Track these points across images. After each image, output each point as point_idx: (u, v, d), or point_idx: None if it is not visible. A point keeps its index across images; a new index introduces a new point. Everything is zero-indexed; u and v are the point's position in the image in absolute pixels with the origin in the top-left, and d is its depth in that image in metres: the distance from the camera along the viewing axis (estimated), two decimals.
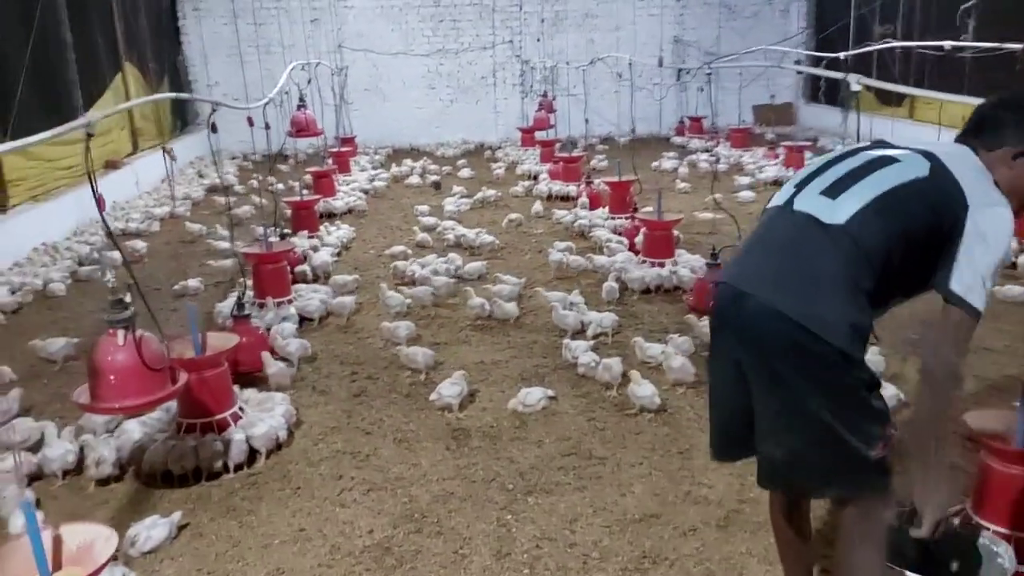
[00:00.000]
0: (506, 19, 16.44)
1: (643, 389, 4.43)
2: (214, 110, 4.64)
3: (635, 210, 7.77)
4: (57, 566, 2.40)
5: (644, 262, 6.80)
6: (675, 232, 7.15)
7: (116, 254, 7.96)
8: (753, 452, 2.43)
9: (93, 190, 2.83)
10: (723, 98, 13.84)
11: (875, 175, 2.27)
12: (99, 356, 2.97)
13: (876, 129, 11.78)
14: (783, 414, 2.26)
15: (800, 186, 2.38)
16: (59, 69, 9.70)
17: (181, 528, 3.52)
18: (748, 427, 2.36)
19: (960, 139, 2.40)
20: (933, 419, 2.23)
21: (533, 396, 4.50)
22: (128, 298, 3.02)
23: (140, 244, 8.37)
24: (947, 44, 7.50)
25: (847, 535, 2.36)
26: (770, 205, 2.47)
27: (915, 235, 2.19)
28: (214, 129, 4.64)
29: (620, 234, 7.81)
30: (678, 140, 15.40)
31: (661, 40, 16.51)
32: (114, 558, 2.45)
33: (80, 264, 7.71)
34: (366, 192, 11.08)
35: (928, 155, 2.28)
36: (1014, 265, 6.75)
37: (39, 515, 2.48)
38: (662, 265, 6.66)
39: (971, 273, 2.12)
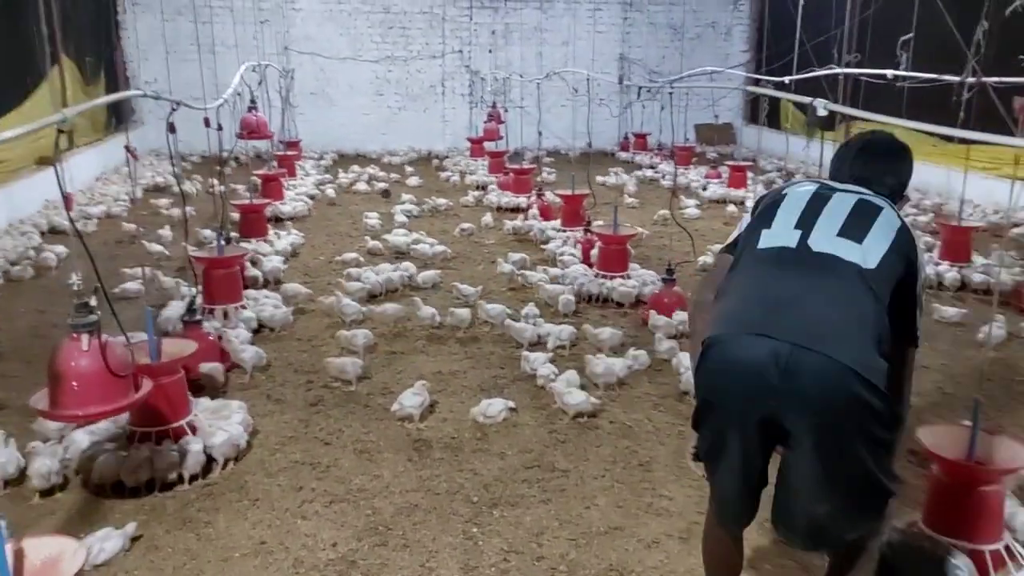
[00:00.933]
0: (456, 29, 16.47)
1: (574, 397, 4.52)
2: (174, 109, 4.51)
3: (588, 223, 7.84)
4: None
5: (598, 275, 6.88)
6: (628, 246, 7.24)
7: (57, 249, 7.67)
8: (742, 519, 2.47)
9: (60, 187, 2.72)
10: (666, 116, 14.10)
11: (880, 219, 2.32)
12: (62, 361, 2.85)
13: (814, 153, 12.15)
14: (830, 470, 2.19)
15: (802, 227, 2.34)
16: None
17: (134, 540, 3.40)
18: (760, 490, 2.39)
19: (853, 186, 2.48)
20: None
21: (495, 407, 4.49)
22: (93, 302, 2.91)
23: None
24: (889, 73, 7.82)
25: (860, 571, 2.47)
26: (766, 246, 2.38)
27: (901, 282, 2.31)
28: (172, 129, 4.51)
29: (575, 246, 7.87)
30: (623, 155, 15.65)
31: (608, 57, 16.76)
32: (80, 573, 2.34)
33: (13, 264, 7.37)
34: (312, 198, 10.92)
35: (885, 200, 2.42)
36: (940, 284, 7.06)
37: None
38: (612, 278, 6.76)
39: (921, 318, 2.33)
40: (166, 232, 8.68)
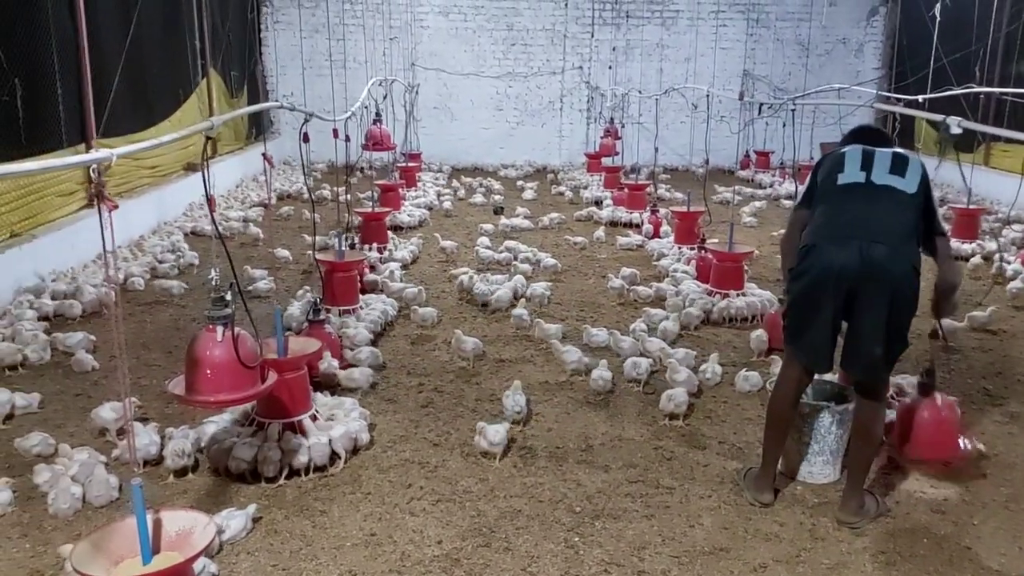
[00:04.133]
0: (576, 46, 16.60)
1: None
2: (307, 120, 4.78)
3: (703, 241, 7.74)
4: (156, 550, 2.50)
5: (713, 293, 6.78)
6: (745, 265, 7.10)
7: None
8: (829, 362, 3.68)
9: (206, 189, 2.95)
10: (800, 136, 13.71)
11: (911, 163, 3.56)
12: (198, 349, 3.08)
13: (948, 175, 11.51)
14: (888, 322, 3.42)
15: (866, 169, 3.55)
16: (150, 73, 10.09)
17: (255, 522, 3.61)
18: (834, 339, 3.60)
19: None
20: (957, 282, 3.73)
21: (500, 434, 4.20)
22: (229, 296, 3.13)
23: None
24: None
25: (875, 409, 3.70)
26: (843, 182, 3.58)
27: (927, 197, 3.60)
28: (306, 139, 4.78)
29: (689, 263, 7.79)
30: (743, 174, 15.31)
31: (731, 73, 16.47)
32: (208, 547, 2.53)
33: (160, 262, 7.95)
34: (430, 208, 11.25)
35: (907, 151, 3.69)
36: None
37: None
38: (726, 296, 6.65)
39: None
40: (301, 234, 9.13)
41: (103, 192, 2.12)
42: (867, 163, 3.57)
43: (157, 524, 2.55)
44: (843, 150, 3.71)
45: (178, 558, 2.45)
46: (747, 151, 16.21)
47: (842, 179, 3.59)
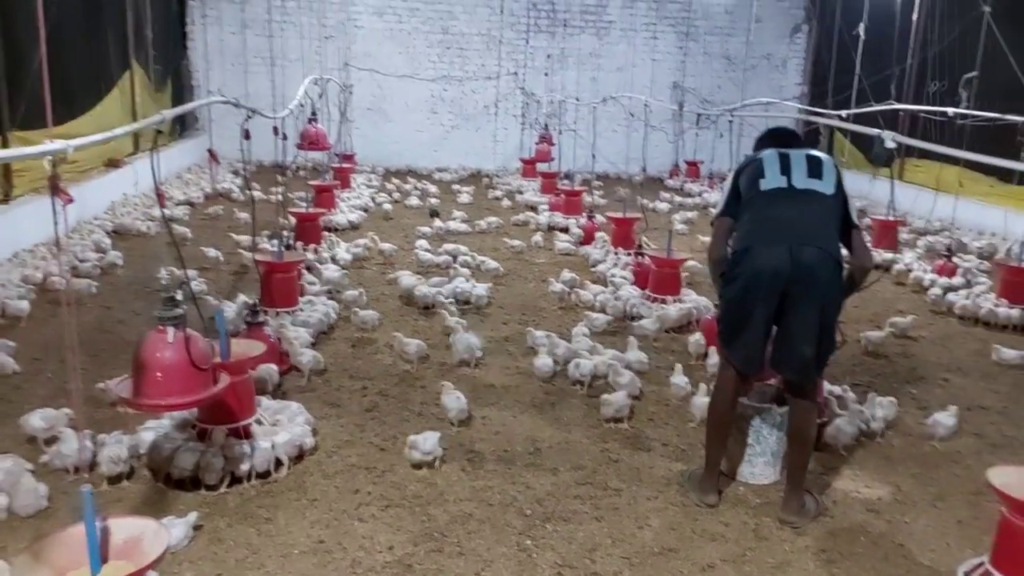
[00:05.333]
0: (512, 52, 16.67)
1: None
2: (249, 117, 4.66)
3: (639, 247, 7.86)
4: (104, 559, 2.38)
5: (649, 298, 6.89)
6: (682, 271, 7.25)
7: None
8: (761, 364, 3.79)
9: (155, 183, 2.84)
10: (719, 145, 14.09)
11: (825, 164, 3.72)
12: (147, 352, 2.96)
13: (864, 188, 11.98)
14: (818, 323, 3.57)
15: (785, 174, 3.67)
16: (71, 65, 9.66)
17: (196, 530, 3.48)
18: (766, 342, 3.71)
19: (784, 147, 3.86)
20: (869, 266, 3.82)
21: (431, 443, 4.10)
22: (179, 296, 3.01)
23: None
24: (951, 111, 7.75)
25: (808, 410, 3.83)
26: (766, 188, 3.68)
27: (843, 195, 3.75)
28: (247, 136, 4.65)
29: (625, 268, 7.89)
30: (672, 183, 15.63)
31: (662, 84, 16.81)
32: (164, 555, 2.42)
33: (81, 261, 7.60)
34: (366, 210, 11.10)
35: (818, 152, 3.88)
36: (1005, 326, 6.96)
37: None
38: (664, 302, 6.78)
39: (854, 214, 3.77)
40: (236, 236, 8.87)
41: (58, 185, 2.00)
42: (785, 167, 3.68)
43: (104, 532, 2.43)
44: (759, 155, 3.81)
45: (129, 567, 2.33)
46: (676, 161, 16.57)
47: (764, 185, 3.69)
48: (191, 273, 7.14)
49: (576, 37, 16.70)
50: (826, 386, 4.75)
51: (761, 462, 4.16)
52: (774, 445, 4.12)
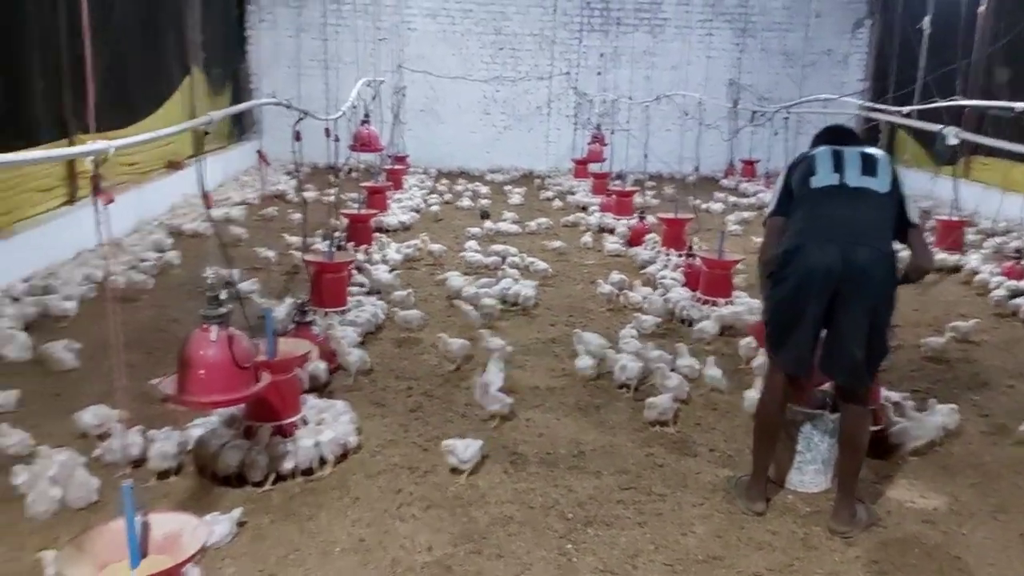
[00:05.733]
0: (564, 51, 16.61)
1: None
2: (300, 119, 4.72)
3: (690, 248, 7.74)
4: (144, 553, 2.42)
5: (700, 300, 6.78)
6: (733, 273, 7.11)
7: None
8: (811, 367, 3.67)
9: (202, 186, 2.89)
10: (775, 143, 13.80)
11: (880, 161, 3.61)
12: (191, 350, 3.01)
13: (926, 187, 11.60)
14: (869, 325, 3.46)
15: (838, 171, 3.57)
16: (134, 69, 9.95)
17: (239, 526, 3.53)
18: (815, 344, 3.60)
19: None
20: (928, 267, 3.77)
21: (472, 451, 4.05)
22: (224, 295, 3.06)
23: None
24: (1019, 105, 7.40)
25: (860, 416, 3.71)
26: (818, 186, 3.59)
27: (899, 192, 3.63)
28: (298, 137, 4.71)
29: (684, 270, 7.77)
30: (726, 182, 15.38)
31: (717, 82, 16.54)
32: (201, 550, 2.46)
33: (141, 260, 7.81)
34: (417, 211, 11.18)
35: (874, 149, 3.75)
36: None
37: None
38: (715, 304, 6.67)
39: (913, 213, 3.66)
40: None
41: (99, 185, 2.05)
42: (838, 165, 3.59)
43: (145, 527, 2.48)
44: (812, 152, 3.73)
45: (168, 562, 2.37)
46: (731, 160, 16.28)
47: (815, 182, 3.60)
48: (244, 273, 7.32)
49: (630, 35, 16.55)
50: (883, 392, 4.59)
51: (811, 469, 4.04)
52: (825, 452, 4.00)
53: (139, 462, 4.00)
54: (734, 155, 16.31)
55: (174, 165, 11.07)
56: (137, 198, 9.60)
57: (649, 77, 16.45)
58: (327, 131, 5.99)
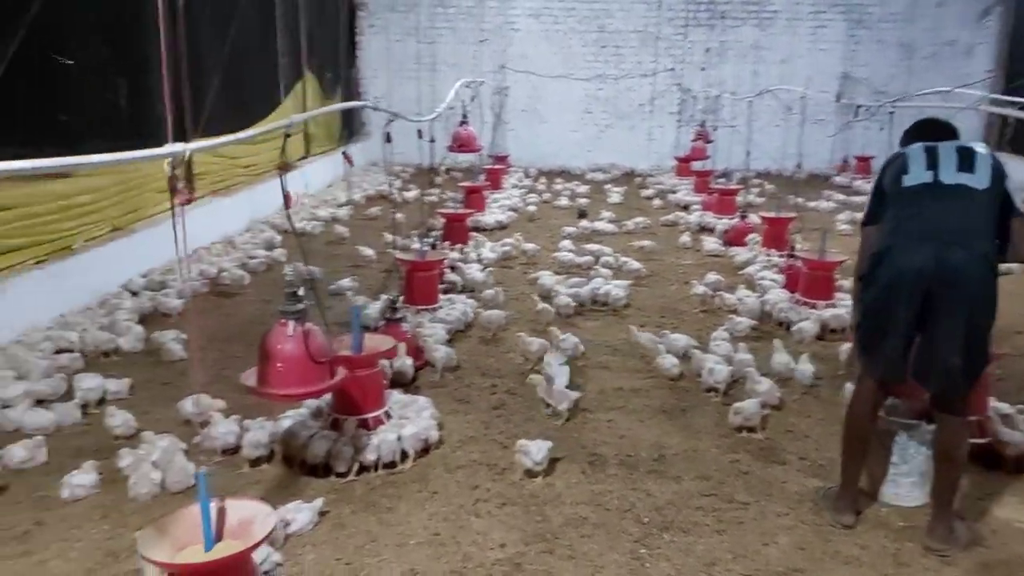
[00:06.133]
0: (669, 47, 16.31)
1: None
2: (391, 120, 4.83)
3: (792, 248, 7.45)
4: (219, 537, 2.54)
5: (798, 302, 6.53)
6: (836, 275, 6.81)
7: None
8: (903, 373, 3.45)
9: (283, 187, 3.01)
10: (892, 139, 13.08)
11: (978, 155, 3.39)
12: (270, 343, 3.14)
13: None
14: (965, 331, 3.25)
15: (932, 169, 3.39)
16: (248, 74, 10.45)
17: (322, 515, 3.66)
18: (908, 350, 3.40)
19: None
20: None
21: (542, 452, 4.01)
22: (302, 291, 3.18)
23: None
24: None
25: (956, 427, 3.48)
26: (910, 184, 3.42)
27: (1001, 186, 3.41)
28: (388, 139, 4.83)
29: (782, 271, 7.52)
30: (839, 180, 14.73)
31: (828, 75, 15.85)
32: (268, 536, 2.56)
33: (251, 258, 8.19)
34: (515, 211, 11.24)
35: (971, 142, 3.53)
36: None
37: None
38: (814, 306, 6.41)
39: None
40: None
41: (176, 185, 2.17)
42: (932, 161, 3.42)
43: (221, 512, 2.60)
44: (904, 151, 3.56)
45: (239, 546, 2.48)
46: (845, 156, 15.59)
47: (908, 181, 3.44)
48: (344, 271, 7.56)
49: (737, 29, 16.07)
50: (991, 402, 4.30)
51: (907, 483, 3.82)
52: (922, 465, 3.77)
53: (234, 450, 4.22)
54: (848, 151, 15.61)
55: (285, 167, 11.52)
56: (249, 198, 10.08)
57: (756, 72, 15.93)
58: (419, 133, 6.11)
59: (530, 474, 4.03)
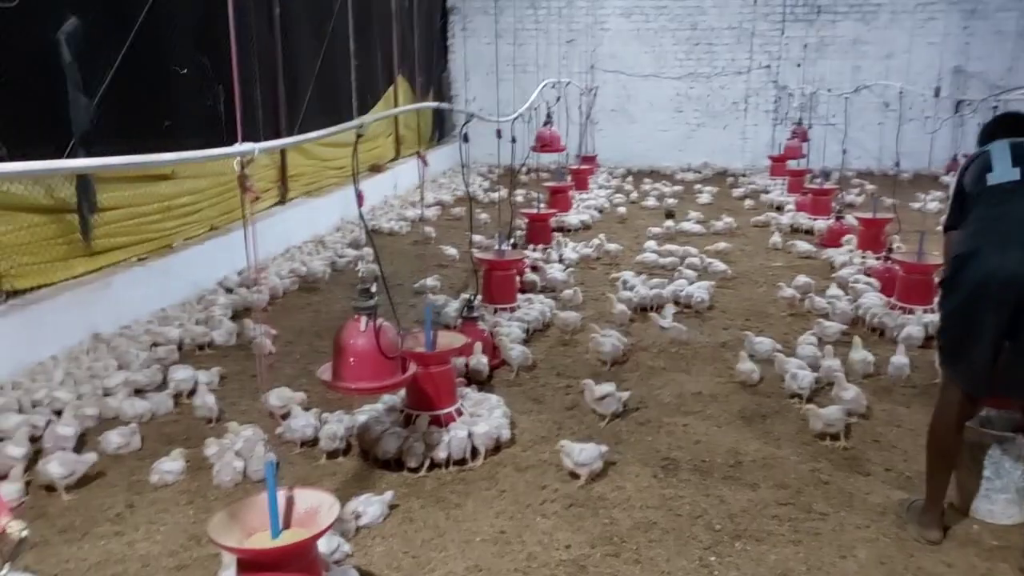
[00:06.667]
0: (765, 44, 15.87)
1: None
2: (468, 120, 4.89)
3: (889, 251, 7.13)
4: (287, 525, 2.63)
5: (894, 307, 6.24)
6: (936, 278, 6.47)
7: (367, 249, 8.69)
8: (989, 384, 3.26)
9: (355, 186, 3.09)
10: None
11: None
12: (343, 338, 3.23)
13: None
14: None
15: (1019, 165, 3.21)
16: (342, 79, 10.77)
17: (392, 508, 3.73)
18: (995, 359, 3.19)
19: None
20: None
21: (588, 454, 3.96)
22: (374, 288, 3.25)
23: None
24: None
25: None
26: (995, 183, 3.26)
27: None
28: (466, 139, 4.89)
29: (869, 274, 7.21)
30: (947, 179, 13.98)
31: (940, 70, 15.08)
32: (331, 526, 2.63)
33: (339, 256, 8.43)
34: (601, 211, 11.17)
35: None
36: None
37: None
38: (911, 312, 6.11)
39: None
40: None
41: (246, 183, 2.26)
42: (1018, 158, 3.25)
43: (289, 501, 2.69)
44: (986, 148, 3.41)
45: (304, 535, 2.56)
46: (954, 154, 14.80)
47: (992, 179, 3.28)
48: (429, 270, 7.69)
49: (837, 24, 15.48)
50: None
51: (1003, 499, 3.60)
52: (1019, 480, 3.55)
53: (313, 441, 4.35)
54: (958, 149, 14.82)
55: (376, 168, 11.85)
56: (341, 198, 10.37)
57: (859, 67, 15.31)
58: (498, 132, 6.15)
59: (573, 476, 3.99)
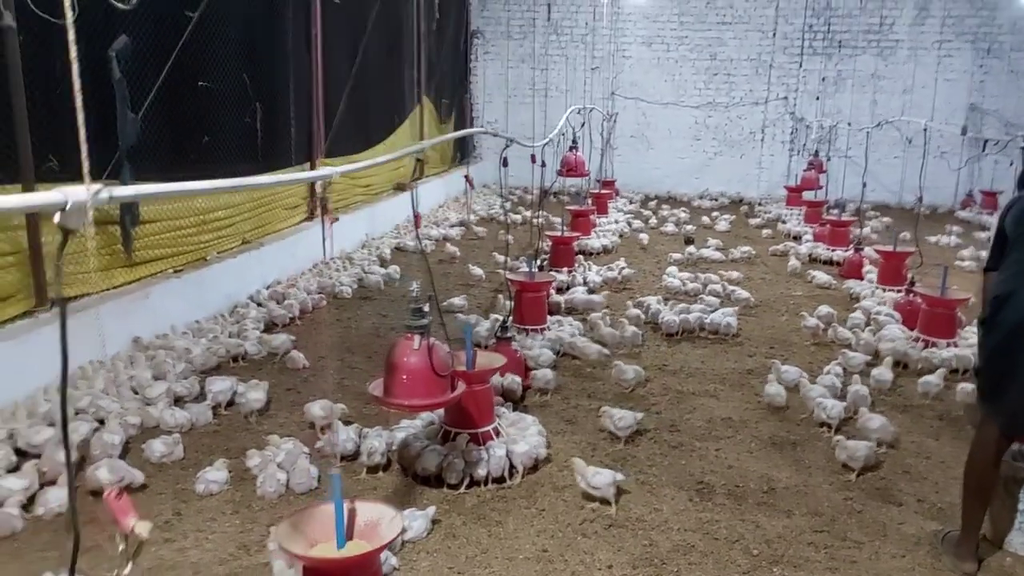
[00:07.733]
0: (783, 76, 16.05)
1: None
2: (508, 145, 5.01)
3: (911, 284, 7.21)
4: (349, 536, 2.70)
5: (919, 340, 6.31)
6: (959, 313, 6.55)
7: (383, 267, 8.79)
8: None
9: (414, 208, 3.19)
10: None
11: None
12: (397, 356, 3.32)
13: None
14: None
15: None
16: (371, 100, 10.93)
17: (434, 523, 3.79)
18: None
19: None
20: None
21: (602, 479, 4.00)
22: (426, 308, 3.34)
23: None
24: None
25: None
26: None
27: None
28: (505, 163, 5.00)
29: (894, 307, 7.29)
30: (963, 215, 14.09)
31: (954, 107, 15.23)
32: (396, 538, 2.70)
33: (367, 273, 8.52)
34: (621, 236, 11.27)
35: None
36: None
37: None
38: (934, 345, 6.19)
39: None
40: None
41: (327, 206, 2.35)
42: None
43: (351, 513, 2.76)
44: None
45: (368, 547, 2.63)
46: (970, 190, 14.93)
47: None
48: (456, 289, 7.78)
49: (855, 58, 15.66)
50: None
51: None
52: None
53: (353, 456, 4.43)
54: (973, 185, 14.95)
55: (401, 188, 11.99)
56: (369, 216, 10.50)
57: (876, 101, 15.48)
58: (533, 158, 6.28)
59: (587, 497, 4.05)
